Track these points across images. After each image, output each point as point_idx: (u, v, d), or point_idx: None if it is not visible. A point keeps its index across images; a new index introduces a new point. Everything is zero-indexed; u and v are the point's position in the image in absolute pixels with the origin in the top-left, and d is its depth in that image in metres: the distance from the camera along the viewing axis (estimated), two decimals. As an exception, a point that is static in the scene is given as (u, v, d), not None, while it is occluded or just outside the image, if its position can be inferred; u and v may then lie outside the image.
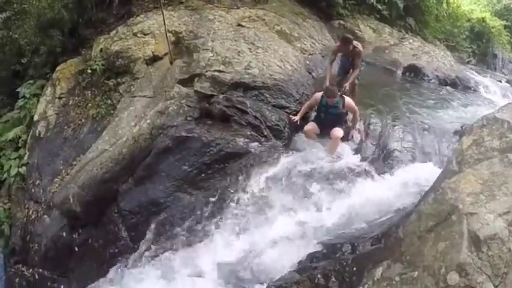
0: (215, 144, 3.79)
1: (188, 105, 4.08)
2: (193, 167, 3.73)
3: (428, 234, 2.03)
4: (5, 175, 5.33)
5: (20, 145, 5.47)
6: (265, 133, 4.02)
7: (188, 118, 3.99)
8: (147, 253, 3.50)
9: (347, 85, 4.43)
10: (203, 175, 3.71)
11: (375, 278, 2.14)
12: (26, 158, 5.17)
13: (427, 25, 8.85)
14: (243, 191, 3.60)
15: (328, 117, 3.95)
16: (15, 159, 5.32)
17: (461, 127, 4.61)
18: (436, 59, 7.08)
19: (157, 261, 3.43)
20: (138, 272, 3.43)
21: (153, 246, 3.52)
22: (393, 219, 2.90)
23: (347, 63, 4.66)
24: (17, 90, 5.66)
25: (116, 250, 3.73)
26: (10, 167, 5.26)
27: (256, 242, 3.24)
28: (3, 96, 6.17)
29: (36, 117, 5.27)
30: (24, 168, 5.12)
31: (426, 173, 3.69)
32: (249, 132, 3.95)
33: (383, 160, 4.01)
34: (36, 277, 4.35)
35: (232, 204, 3.49)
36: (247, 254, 3.20)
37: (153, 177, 3.79)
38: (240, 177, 3.69)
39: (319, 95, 4.04)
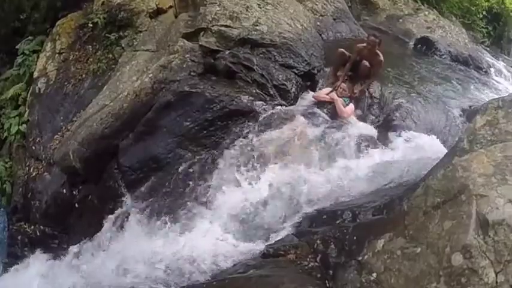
0: (219, 101, 3.64)
1: (192, 60, 3.90)
2: (195, 124, 3.60)
3: (435, 210, 1.96)
4: (6, 133, 5.27)
5: (19, 103, 5.37)
6: (271, 92, 3.85)
7: (192, 73, 3.83)
8: (142, 207, 3.44)
9: (358, 91, 4.14)
10: (205, 132, 3.58)
11: (376, 250, 2.08)
12: (26, 115, 5.08)
13: (443, -1, 8.40)
14: (245, 149, 3.48)
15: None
16: (15, 117, 5.24)
17: (470, 107, 4.50)
18: (451, 34, 6.79)
19: (152, 217, 3.38)
20: (131, 228, 3.38)
21: (150, 202, 3.46)
22: (396, 191, 2.81)
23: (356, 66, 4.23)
24: (16, 47, 5.51)
25: (116, 206, 3.65)
26: (10, 125, 5.19)
27: (255, 198, 3.17)
28: (2, 54, 6.01)
29: (36, 74, 5.14)
30: (24, 126, 5.04)
31: (431, 146, 3.62)
32: (254, 91, 3.79)
33: (388, 129, 3.89)
34: (38, 234, 4.36)
35: (234, 162, 3.38)
36: (245, 210, 3.14)
37: (154, 133, 3.67)
38: (243, 136, 3.57)
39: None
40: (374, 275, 2.01)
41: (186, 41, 4.07)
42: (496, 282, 1.65)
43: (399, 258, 1.96)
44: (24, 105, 5.29)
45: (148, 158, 3.61)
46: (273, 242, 2.84)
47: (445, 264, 1.77)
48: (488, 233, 1.72)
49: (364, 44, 4.18)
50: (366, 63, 4.15)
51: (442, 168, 2.11)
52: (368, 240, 2.17)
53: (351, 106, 4.02)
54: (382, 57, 4.16)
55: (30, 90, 5.18)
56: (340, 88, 4.04)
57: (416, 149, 3.55)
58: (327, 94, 4.06)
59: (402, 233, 2.04)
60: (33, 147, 4.72)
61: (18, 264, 4.26)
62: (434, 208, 1.98)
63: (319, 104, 4.00)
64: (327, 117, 3.85)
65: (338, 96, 3.98)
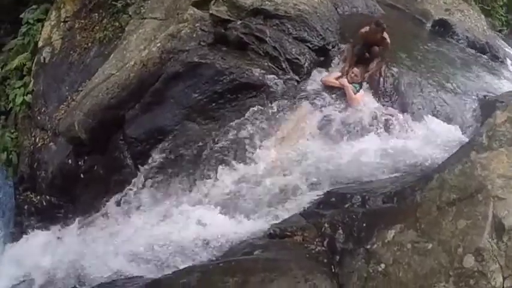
0: (229, 73, 3.49)
1: (202, 30, 3.74)
2: (203, 95, 3.48)
3: (450, 207, 1.92)
4: (11, 104, 5.22)
5: (24, 73, 5.29)
6: (284, 66, 3.68)
7: (201, 43, 3.68)
8: (148, 181, 3.39)
9: (368, 75, 3.91)
10: (214, 104, 3.47)
11: (386, 240, 2.04)
12: (31, 85, 5.01)
13: (466, -19, 7.99)
14: (254, 124, 3.37)
15: None
16: (20, 87, 5.17)
17: (485, 96, 4.27)
18: (469, 19, 6.40)
19: (157, 189, 3.34)
20: (137, 200, 3.34)
21: (154, 174, 3.40)
22: (407, 178, 2.71)
23: (364, 51, 4.01)
24: (21, 16, 5.37)
25: (121, 177, 3.62)
26: (15, 95, 5.13)
27: (261, 175, 3.11)
28: (6, 24, 5.93)
29: (40, 43, 5.05)
30: (29, 96, 4.97)
31: (448, 134, 3.47)
32: (266, 64, 3.62)
33: (403, 113, 3.68)
34: (44, 204, 4.36)
35: (241, 137, 3.29)
36: (251, 187, 3.07)
37: (161, 104, 3.58)
38: (252, 110, 3.45)
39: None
40: (382, 265, 1.97)
41: (196, 9, 3.89)
42: (503, 287, 1.64)
43: (409, 251, 1.92)
44: (29, 75, 5.22)
45: (155, 129, 3.53)
46: (279, 221, 2.78)
47: (456, 265, 1.75)
48: (502, 238, 1.70)
49: (368, 29, 3.91)
50: (377, 48, 3.94)
51: (459, 164, 2.04)
52: (378, 228, 2.12)
53: (361, 93, 3.79)
54: (388, 40, 3.94)
55: (35, 60, 5.09)
56: (352, 73, 3.81)
57: (433, 136, 3.41)
58: (337, 79, 3.81)
59: (414, 225, 1.99)
60: (39, 118, 4.67)
61: (24, 233, 4.30)
62: (449, 204, 1.94)
63: (328, 88, 3.75)
64: (335, 101, 3.62)
65: (349, 82, 3.73)
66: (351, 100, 3.67)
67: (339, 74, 3.86)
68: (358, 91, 3.77)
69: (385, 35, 3.92)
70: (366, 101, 3.72)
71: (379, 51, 3.97)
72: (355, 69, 3.86)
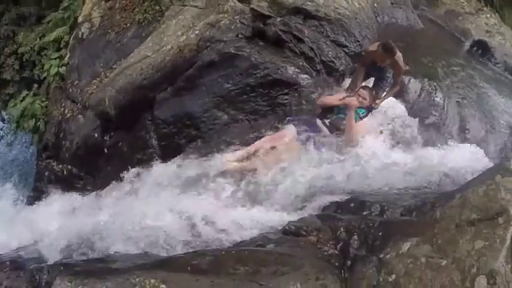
0: (263, 68, 3.51)
1: (241, 22, 3.76)
2: (236, 87, 3.51)
3: (469, 226, 1.90)
4: (45, 74, 5.38)
5: (61, 46, 5.44)
6: (318, 67, 3.68)
7: (239, 35, 3.69)
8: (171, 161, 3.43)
9: (380, 101, 3.50)
10: (245, 97, 3.50)
11: (400, 251, 2.00)
12: (66, 58, 5.14)
13: (509, 5, 7.78)
14: (280, 120, 3.38)
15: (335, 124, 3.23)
16: (55, 59, 5.32)
17: None
18: (509, 43, 6.26)
19: (180, 175, 3.35)
20: (157, 178, 3.36)
21: (179, 159, 3.44)
22: (427, 193, 2.69)
23: (377, 75, 3.58)
24: (63, -10, 5.56)
25: (144, 157, 3.69)
26: (50, 66, 5.27)
27: (282, 171, 3.08)
28: (48, -4, 6.10)
29: (80, 19, 5.17)
30: (64, 68, 5.10)
31: (474, 156, 3.39)
32: (301, 63, 3.63)
33: (434, 130, 3.68)
34: (65, 172, 4.47)
35: (267, 131, 3.30)
36: (271, 182, 3.06)
37: (193, 90, 3.62)
38: (282, 108, 3.46)
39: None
40: (393, 276, 1.94)
41: (237, 2, 3.92)
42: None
43: (422, 265, 1.89)
44: (65, 48, 5.35)
45: (184, 114, 3.58)
46: (295, 219, 2.77)
47: (467, 285, 1.73)
48: (516, 263, 1.65)
49: (376, 50, 3.38)
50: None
51: (483, 185, 2.01)
52: (394, 239, 2.08)
53: (365, 121, 3.32)
54: (401, 63, 3.40)
55: (73, 35, 5.22)
56: (359, 96, 3.31)
57: (459, 156, 3.34)
58: (341, 99, 3.32)
59: (430, 240, 1.96)
60: (71, 90, 4.78)
61: (41, 199, 4.41)
62: (468, 223, 1.91)
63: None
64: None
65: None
66: (349, 127, 3.21)
67: (344, 94, 3.42)
68: (363, 116, 3.29)
69: (398, 56, 3.36)
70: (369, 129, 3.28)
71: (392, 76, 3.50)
72: (362, 91, 3.37)
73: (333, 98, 3.38)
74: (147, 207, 3.10)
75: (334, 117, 3.31)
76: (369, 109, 3.40)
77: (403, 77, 3.89)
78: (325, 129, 3.28)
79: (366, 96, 3.32)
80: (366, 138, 3.26)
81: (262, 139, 3.26)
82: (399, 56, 3.40)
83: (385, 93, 3.57)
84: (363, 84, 3.54)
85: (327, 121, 3.29)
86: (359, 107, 3.31)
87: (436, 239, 1.94)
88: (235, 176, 3.13)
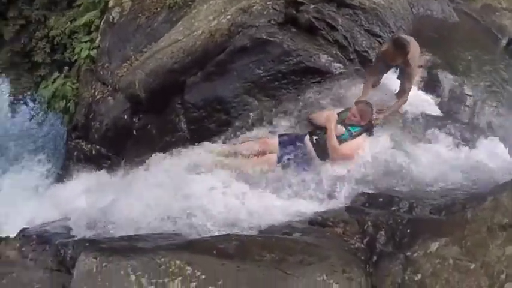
0: (296, 55, 3.47)
1: (274, 8, 3.71)
2: (267, 73, 3.48)
3: (501, 231, 1.84)
4: (76, 57, 5.51)
5: (92, 29, 5.56)
6: (352, 57, 3.61)
7: (272, 21, 3.65)
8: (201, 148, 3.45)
9: (382, 116, 3.11)
10: (276, 83, 3.46)
11: (428, 251, 1.96)
12: (97, 41, 5.25)
13: (549, 1, 7.36)
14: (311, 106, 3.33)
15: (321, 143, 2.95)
16: (86, 42, 5.44)
17: None
18: None
19: (209, 157, 3.35)
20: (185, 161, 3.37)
21: (208, 143, 3.46)
22: (457, 193, 2.60)
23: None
24: (94, -25, 5.64)
25: (173, 140, 3.73)
26: (81, 49, 5.40)
27: None
28: (78, -19, 6.20)
29: (111, 3, 5.26)
30: (94, 51, 5.21)
31: (503, 156, 3.30)
32: (334, 51, 3.57)
33: (463, 127, 3.55)
34: (93, 152, 4.59)
35: (301, 119, 3.27)
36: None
37: (224, 75, 3.61)
38: (313, 97, 3.42)
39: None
40: (419, 275, 1.90)
41: (270, -12, 3.88)
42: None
43: (450, 267, 1.84)
44: (96, 32, 5.46)
45: (214, 99, 3.58)
46: (322, 210, 2.75)
47: None
48: (544, 271, 1.57)
49: (387, 49, 3.05)
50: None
51: None
52: (422, 238, 2.04)
53: (358, 141, 2.98)
54: (413, 64, 2.97)
55: (104, 19, 5.31)
56: (350, 112, 3.01)
57: (491, 158, 3.25)
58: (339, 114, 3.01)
59: (459, 242, 1.91)
60: (101, 72, 4.88)
61: (70, 177, 4.55)
62: (500, 228, 1.85)
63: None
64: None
65: (346, 122, 2.97)
66: (330, 148, 2.90)
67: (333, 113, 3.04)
68: (355, 136, 2.98)
69: (412, 57, 2.93)
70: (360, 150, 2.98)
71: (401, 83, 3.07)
72: (354, 108, 3.02)
73: (320, 117, 3.12)
74: (174, 189, 3.15)
75: (323, 135, 3.00)
76: (366, 127, 3.07)
77: (436, 70, 3.82)
78: (310, 147, 3.00)
79: (355, 113, 3.02)
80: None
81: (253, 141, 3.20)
82: (414, 56, 2.98)
83: (396, 106, 3.18)
84: (365, 97, 3.16)
85: (314, 138, 3.03)
86: (351, 125, 3.04)
87: (465, 241, 1.90)
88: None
